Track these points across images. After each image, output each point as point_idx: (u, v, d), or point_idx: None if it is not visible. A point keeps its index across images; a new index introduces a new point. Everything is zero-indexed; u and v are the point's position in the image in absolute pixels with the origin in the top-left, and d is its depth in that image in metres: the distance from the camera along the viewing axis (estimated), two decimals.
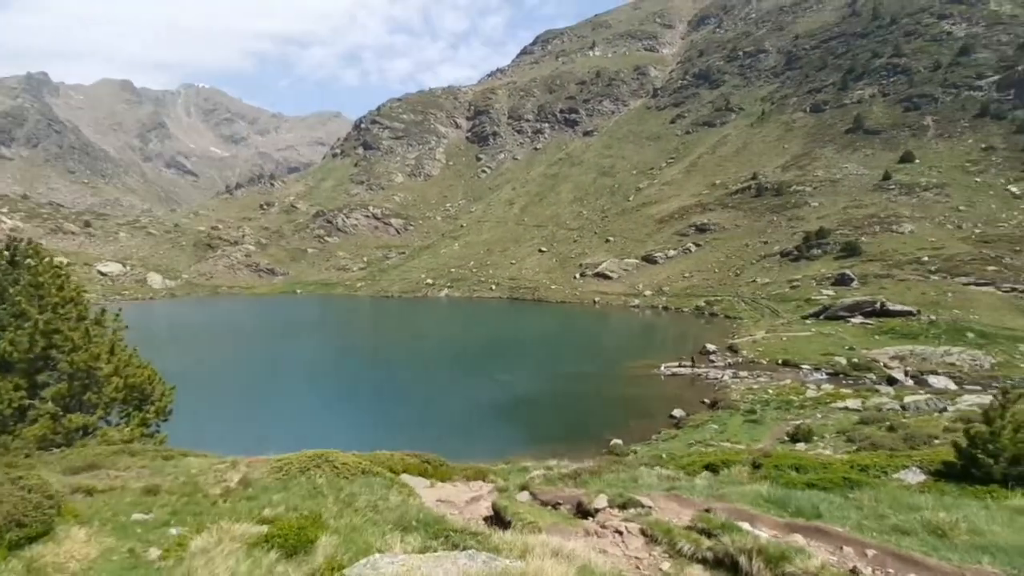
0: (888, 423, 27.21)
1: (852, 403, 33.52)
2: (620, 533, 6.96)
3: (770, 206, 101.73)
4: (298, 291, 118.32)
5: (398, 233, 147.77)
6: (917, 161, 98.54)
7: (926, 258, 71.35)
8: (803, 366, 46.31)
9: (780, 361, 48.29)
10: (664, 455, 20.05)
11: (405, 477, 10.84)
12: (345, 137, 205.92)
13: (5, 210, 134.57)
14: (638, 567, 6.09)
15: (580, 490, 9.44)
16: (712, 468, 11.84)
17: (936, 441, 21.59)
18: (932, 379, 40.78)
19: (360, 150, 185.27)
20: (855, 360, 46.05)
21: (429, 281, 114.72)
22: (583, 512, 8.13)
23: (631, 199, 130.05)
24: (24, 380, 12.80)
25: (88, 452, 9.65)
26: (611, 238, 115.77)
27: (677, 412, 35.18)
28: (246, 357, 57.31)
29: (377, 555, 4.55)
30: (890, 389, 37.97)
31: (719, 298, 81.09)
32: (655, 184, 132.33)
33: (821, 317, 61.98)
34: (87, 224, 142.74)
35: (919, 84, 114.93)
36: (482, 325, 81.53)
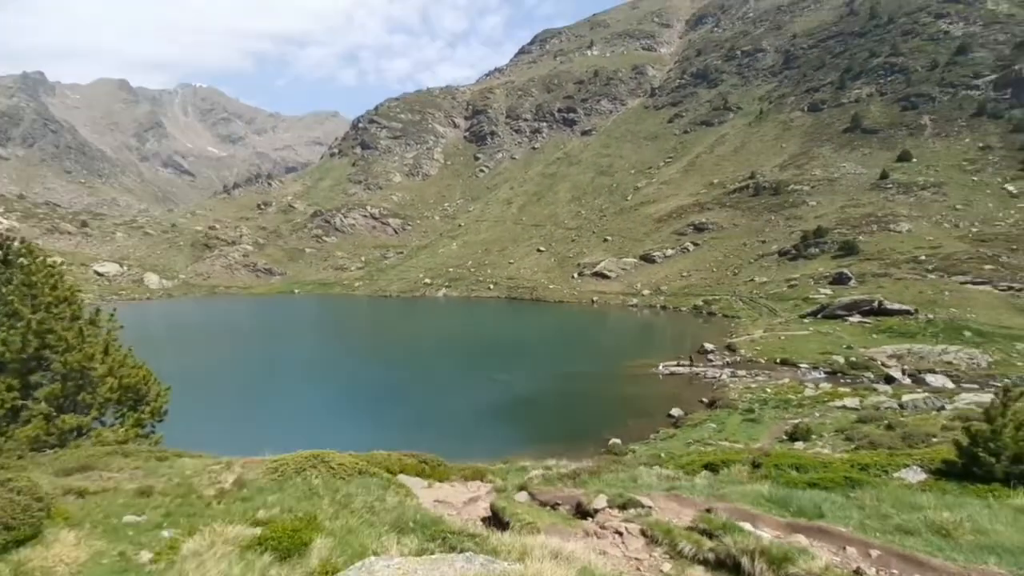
0: (886, 422, 27.23)
1: (850, 402, 33.55)
2: (620, 534, 6.87)
3: (768, 205, 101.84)
4: (296, 291, 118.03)
5: (396, 233, 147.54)
6: (914, 160, 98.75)
7: (923, 257, 71.49)
8: (801, 365, 46.34)
9: (778, 360, 48.31)
10: (663, 454, 19.99)
11: (402, 478, 10.74)
12: (343, 137, 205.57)
13: (1, 210, 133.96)
14: (639, 568, 6.00)
15: (579, 490, 9.36)
16: (712, 467, 11.77)
17: (934, 439, 21.58)
18: (930, 378, 40.85)
19: (358, 150, 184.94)
20: (853, 359, 46.09)
21: (427, 281, 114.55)
22: (582, 512, 8.04)
23: (629, 198, 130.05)
24: (17, 380, 12.66)
25: (81, 453, 9.52)
26: (609, 237, 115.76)
27: (675, 411, 35.16)
28: (243, 357, 57.10)
29: (372, 558, 4.44)
30: (888, 388, 38.02)
31: (717, 297, 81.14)
32: (653, 183, 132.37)
33: (819, 316, 62.04)
34: (84, 224, 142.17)
35: (916, 83, 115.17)
36: (480, 325, 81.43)
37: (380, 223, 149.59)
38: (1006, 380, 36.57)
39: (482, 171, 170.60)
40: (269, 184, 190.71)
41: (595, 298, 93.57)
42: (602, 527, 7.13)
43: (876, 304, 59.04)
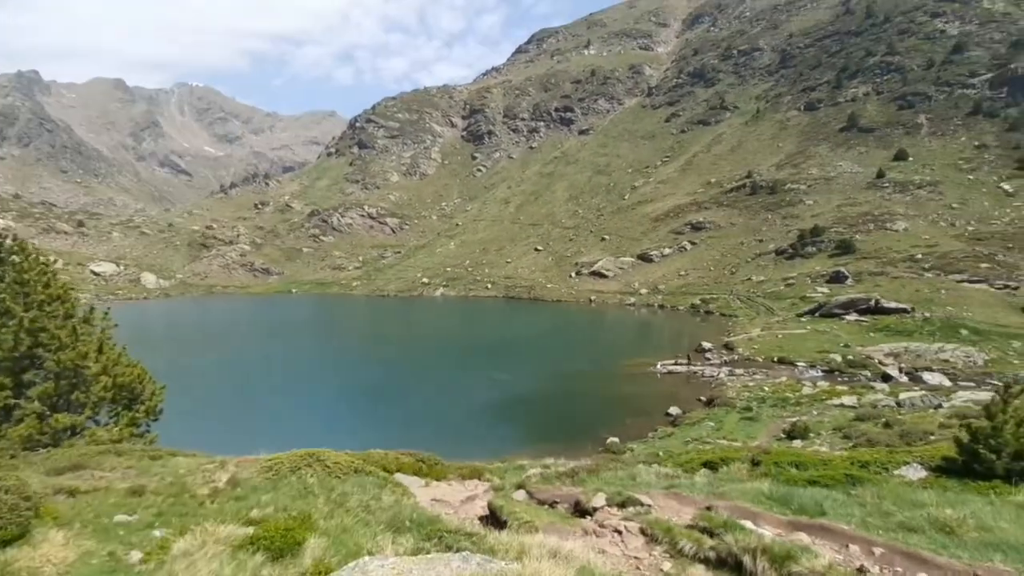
0: (884, 419, 27.23)
1: (848, 400, 33.57)
2: (619, 532, 6.78)
3: (765, 204, 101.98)
4: (293, 291, 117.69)
5: (393, 232, 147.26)
6: (911, 159, 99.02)
7: (920, 255, 71.68)
8: (798, 363, 46.37)
9: (776, 358, 48.34)
10: (661, 453, 19.92)
11: (399, 476, 10.64)
12: (340, 136, 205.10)
13: None
14: (638, 567, 5.91)
15: (577, 488, 9.27)
16: (711, 466, 11.69)
17: (932, 437, 21.57)
18: (926, 376, 40.94)
19: (355, 149, 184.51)
20: (850, 357, 46.16)
21: (425, 280, 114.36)
22: (581, 511, 7.95)
23: (626, 198, 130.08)
24: (9, 379, 12.50)
25: (73, 452, 9.39)
26: (607, 237, 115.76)
27: (673, 410, 35.12)
28: (240, 357, 56.86)
29: (366, 558, 4.34)
30: (885, 386, 38.06)
31: (714, 296, 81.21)
32: (650, 182, 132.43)
33: (816, 314, 62.13)
34: (80, 224, 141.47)
35: (913, 82, 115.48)
36: (478, 324, 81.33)
37: (377, 223, 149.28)
38: (1003, 377, 36.69)
39: (479, 170, 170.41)
40: (266, 184, 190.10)
41: (593, 297, 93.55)
42: (601, 525, 7.04)
43: (873, 303, 59.16)
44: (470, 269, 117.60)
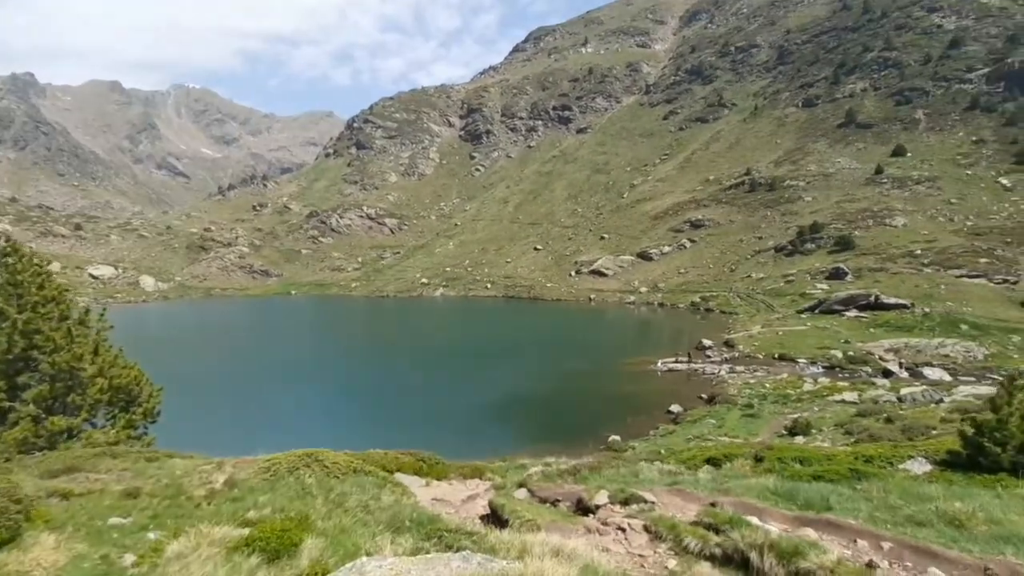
0: (885, 415, 27.18)
1: (849, 396, 33.53)
2: (623, 530, 6.67)
3: (764, 201, 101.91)
4: (292, 292, 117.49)
5: (392, 233, 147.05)
6: (909, 154, 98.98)
7: (919, 251, 71.65)
8: (799, 360, 46.33)
9: (776, 355, 48.30)
10: (663, 450, 19.83)
11: (399, 476, 10.52)
12: (338, 137, 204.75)
13: None
14: (643, 565, 5.79)
15: (580, 486, 9.16)
16: (714, 462, 11.59)
17: (934, 432, 21.50)
18: (927, 371, 40.93)
19: (353, 150, 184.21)
20: (851, 353, 46.12)
21: (424, 281, 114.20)
22: (583, 509, 7.84)
23: (625, 196, 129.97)
24: (3, 382, 12.37)
25: (68, 455, 9.26)
26: (606, 235, 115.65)
27: (674, 408, 35.04)
28: (239, 358, 56.71)
29: (364, 558, 4.23)
30: (886, 381, 38.03)
31: (714, 294, 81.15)
32: (649, 181, 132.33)
33: (816, 311, 62.09)
34: (78, 227, 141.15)
35: (910, 77, 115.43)
36: (478, 324, 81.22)
37: (376, 223, 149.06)
38: (1004, 372, 36.64)
39: (478, 170, 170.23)
40: (264, 185, 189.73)
41: (592, 296, 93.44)
42: (604, 523, 6.93)
43: (873, 298, 59.14)
44: (469, 269, 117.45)
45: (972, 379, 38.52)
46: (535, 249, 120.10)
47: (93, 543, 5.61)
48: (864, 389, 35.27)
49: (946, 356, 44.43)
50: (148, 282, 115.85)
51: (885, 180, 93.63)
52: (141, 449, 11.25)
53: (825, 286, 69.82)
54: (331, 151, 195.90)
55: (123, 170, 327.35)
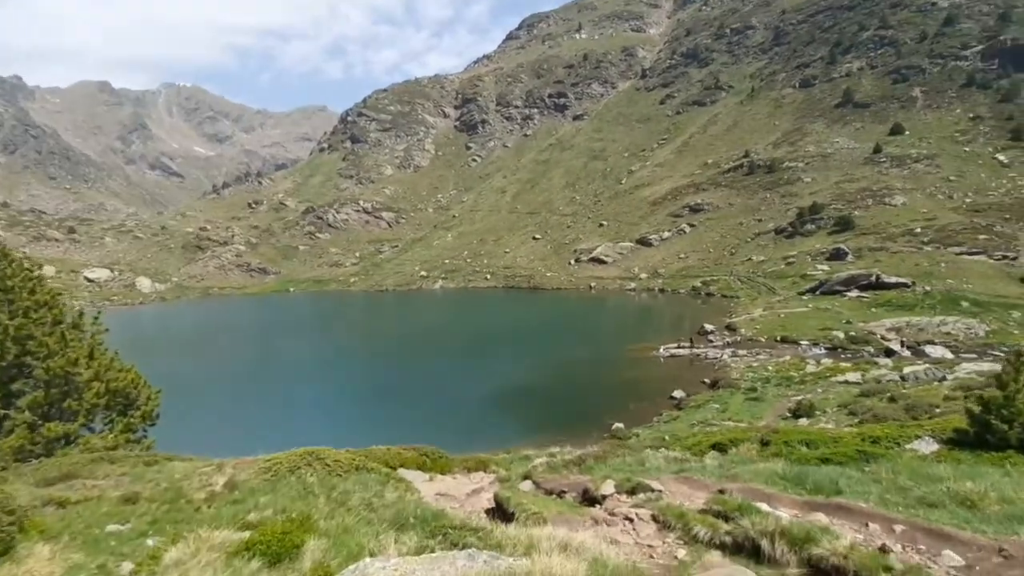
0: (889, 394, 27.17)
1: (852, 376, 33.53)
2: (630, 520, 6.57)
3: (763, 183, 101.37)
4: (291, 289, 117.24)
5: (390, 226, 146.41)
6: (907, 133, 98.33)
7: (919, 229, 71.42)
8: (801, 342, 46.31)
9: (778, 338, 48.27)
10: (667, 437, 19.80)
11: (403, 472, 10.42)
12: (332, 131, 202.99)
13: None
14: (652, 556, 5.69)
15: (585, 476, 9.07)
16: (720, 447, 11.51)
17: (938, 410, 21.48)
18: (929, 349, 40.94)
19: (348, 144, 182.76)
20: (853, 334, 46.10)
21: (423, 273, 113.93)
22: (590, 499, 7.74)
23: (623, 182, 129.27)
24: None
25: (65, 461, 9.14)
26: (605, 222, 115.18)
27: (678, 393, 35.04)
28: (238, 358, 56.65)
29: (368, 559, 4.11)
30: (888, 361, 38.04)
31: (715, 278, 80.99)
32: (647, 166, 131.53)
33: (817, 292, 62.01)
34: (71, 230, 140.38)
35: (906, 55, 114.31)
36: (478, 315, 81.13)
37: (373, 217, 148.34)
38: (1006, 348, 36.65)
39: (474, 160, 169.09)
40: (259, 182, 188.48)
41: (593, 284, 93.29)
42: (611, 514, 6.82)
43: (874, 278, 59.03)
44: (468, 260, 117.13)
45: (974, 356, 38.56)
46: (534, 238, 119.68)
47: (90, 552, 5.49)
48: (867, 369, 35.27)
49: (947, 334, 44.43)
50: (145, 283, 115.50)
51: (884, 159, 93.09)
52: (140, 453, 11.13)
53: (826, 267, 69.67)
54: (325, 146, 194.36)
55: (116, 171, 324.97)
